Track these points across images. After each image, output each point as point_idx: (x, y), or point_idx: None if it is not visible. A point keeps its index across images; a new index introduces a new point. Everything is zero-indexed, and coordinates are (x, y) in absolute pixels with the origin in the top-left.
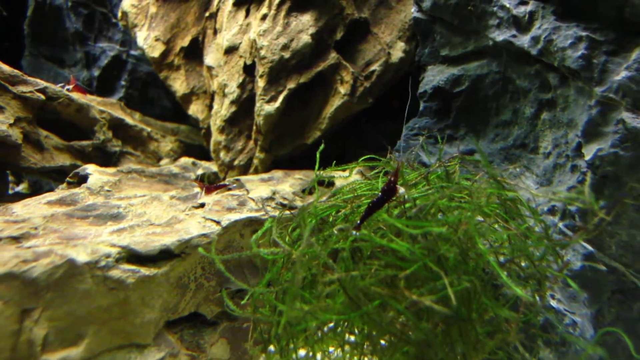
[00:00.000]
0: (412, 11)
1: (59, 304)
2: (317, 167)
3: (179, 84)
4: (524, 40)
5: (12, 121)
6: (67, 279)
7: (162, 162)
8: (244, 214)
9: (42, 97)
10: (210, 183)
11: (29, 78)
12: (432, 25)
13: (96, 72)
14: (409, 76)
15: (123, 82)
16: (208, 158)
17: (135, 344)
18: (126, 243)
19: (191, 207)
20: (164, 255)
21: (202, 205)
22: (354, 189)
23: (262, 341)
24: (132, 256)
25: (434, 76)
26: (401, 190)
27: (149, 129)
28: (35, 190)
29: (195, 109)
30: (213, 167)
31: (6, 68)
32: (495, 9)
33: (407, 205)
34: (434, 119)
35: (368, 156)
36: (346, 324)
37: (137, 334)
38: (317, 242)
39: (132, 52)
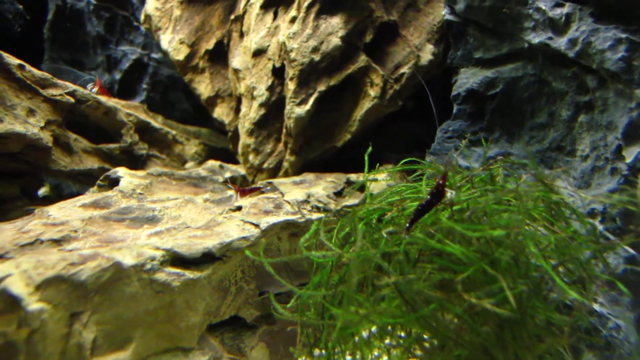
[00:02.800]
0: (444, 13)
1: (106, 307)
2: (366, 168)
3: (203, 87)
4: (560, 43)
5: (43, 124)
6: (114, 282)
7: (187, 165)
8: (281, 217)
9: (72, 100)
10: (239, 186)
11: (59, 81)
12: (465, 28)
13: (118, 76)
14: (429, 79)
15: (144, 86)
16: (232, 161)
17: (181, 347)
18: (170, 246)
19: (228, 210)
20: (206, 258)
21: (239, 208)
22: (398, 191)
23: (308, 345)
24: (175, 259)
25: (467, 79)
26: (450, 193)
27: (174, 132)
28: (57, 194)
29: (220, 112)
30: (240, 170)
31: (36, 72)
32: (530, 11)
33: (455, 207)
34: (467, 122)
35: (409, 159)
36: (391, 327)
37: (182, 338)
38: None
39: (154, 56)
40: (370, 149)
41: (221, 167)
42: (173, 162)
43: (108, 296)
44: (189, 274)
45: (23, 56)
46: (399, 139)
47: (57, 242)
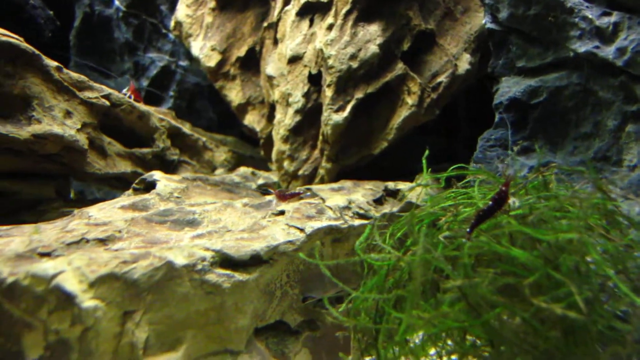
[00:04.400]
0: (485, 22)
1: (159, 307)
2: (424, 171)
3: (234, 94)
4: (608, 52)
5: (79, 126)
6: (166, 281)
7: (217, 171)
8: (324, 222)
9: (107, 103)
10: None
11: (95, 84)
12: (508, 36)
13: (145, 83)
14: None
15: (172, 93)
16: (260, 169)
17: (229, 350)
18: (219, 247)
19: (271, 214)
20: (254, 261)
21: (282, 213)
22: (450, 197)
23: (360, 350)
24: (224, 260)
25: (510, 87)
26: (512, 200)
27: (204, 139)
28: (81, 199)
29: (251, 119)
30: (273, 176)
31: (73, 74)
32: (577, 20)
33: (513, 213)
34: (509, 131)
35: (458, 165)
36: (445, 333)
37: (230, 340)
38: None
39: (181, 63)
40: (427, 152)
41: (253, 173)
42: (203, 168)
43: (160, 296)
44: (239, 276)
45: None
46: (425, 149)
47: (103, 241)
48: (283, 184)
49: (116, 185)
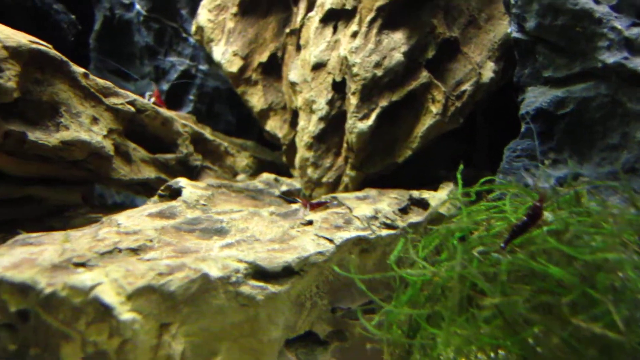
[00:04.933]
0: (511, 30)
1: (195, 319)
2: (460, 185)
3: (256, 100)
4: (637, 63)
5: (105, 132)
6: (201, 293)
7: (239, 177)
8: (352, 233)
9: (132, 109)
10: (294, 200)
11: (120, 90)
12: (534, 46)
13: (165, 86)
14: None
15: (191, 97)
16: (280, 174)
17: None
18: (252, 259)
19: (300, 224)
20: (286, 272)
21: (310, 223)
22: (482, 210)
23: None
24: (257, 272)
25: (536, 98)
26: (547, 215)
27: (225, 144)
28: (102, 203)
29: (273, 125)
30: (295, 183)
31: (99, 80)
32: (605, 30)
33: (546, 228)
34: (536, 141)
35: (487, 178)
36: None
37: (263, 352)
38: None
39: (201, 67)
40: (461, 167)
41: (276, 180)
42: (225, 173)
43: (196, 308)
44: (271, 288)
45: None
46: (445, 155)
47: (135, 251)
48: (306, 191)
49: (140, 190)
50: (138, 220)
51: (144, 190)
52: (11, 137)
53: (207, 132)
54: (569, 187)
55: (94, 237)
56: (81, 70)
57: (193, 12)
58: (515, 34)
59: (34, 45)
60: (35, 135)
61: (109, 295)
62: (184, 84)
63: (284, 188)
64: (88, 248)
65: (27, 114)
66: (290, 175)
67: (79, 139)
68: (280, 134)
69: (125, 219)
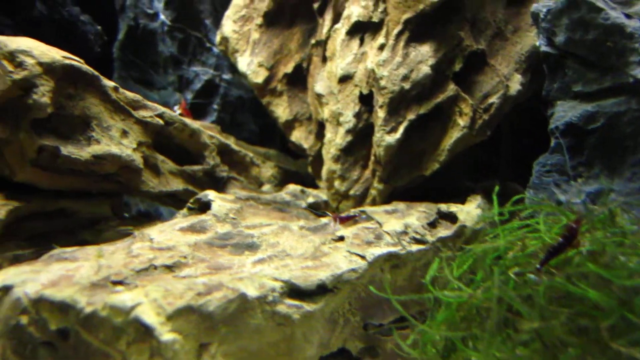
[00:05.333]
0: (540, 44)
1: (233, 339)
2: (495, 204)
3: (281, 110)
4: None
5: (135, 146)
6: (239, 313)
7: (264, 187)
8: (384, 249)
9: (161, 122)
10: (321, 211)
11: (149, 103)
12: (564, 60)
13: (189, 96)
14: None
15: (215, 106)
16: (304, 184)
17: None
18: (287, 277)
19: (331, 239)
20: (320, 290)
21: (341, 238)
22: (515, 227)
23: None
24: (293, 291)
25: (565, 112)
26: (585, 239)
27: (251, 155)
28: (128, 210)
29: (298, 136)
30: (321, 195)
31: (129, 93)
32: (637, 45)
33: (582, 249)
34: (566, 156)
35: (520, 196)
36: None
37: None
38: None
39: (225, 77)
40: (497, 188)
41: (302, 191)
42: (250, 184)
43: (234, 327)
44: (307, 306)
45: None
46: (468, 164)
47: (170, 268)
48: (333, 203)
49: (168, 202)
50: (170, 234)
51: (172, 201)
52: (45, 152)
53: (232, 142)
54: (603, 205)
55: (129, 253)
56: (111, 84)
57: (217, 22)
58: (544, 48)
59: (67, 61)
60: (67, 150)
61: (149, 315)
62: (208, 93)
63: (310, 200)
64: (124, 264)
65: (60, 128)
66: (315, 186)
67: (110, 152)
68: (305, 145)
69: (157, 233)
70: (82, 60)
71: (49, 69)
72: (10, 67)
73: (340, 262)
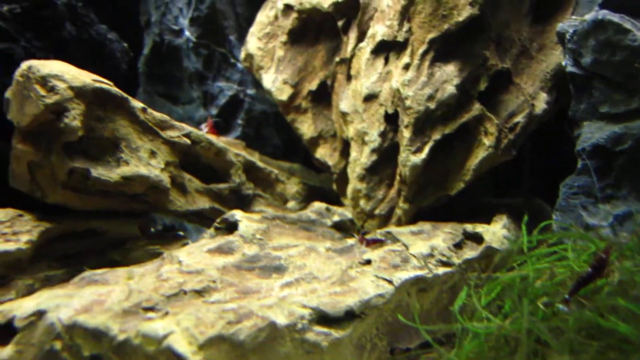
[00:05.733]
0: (566, 64)
1: None
2: (524, 231)
3: (306, 127)
4: None
5: (163, 166)
6: (269, 341)
7: (289, 204)
8: (410, 273)
9: (188, 141)
10: (347, 230)
11: (176, 123)
12: (590, 81)
13: (214, 111)
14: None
15: (240, 121)
16: (329, 200)
17: None
18: (315, 304)
19: (358, 263)
20: (348, 316)
21: (368, 262)
22: (543, 254)
23: None
24: (321, 317)
25: (592, 133)
26: (614, 269)
27: (276, 171)
28: (153, 224)
29: (322, 153)
30: (346, 213)
31: (156, 114)
32: None
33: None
34: (593, 178)
35: (545, 222)
36: None
37: None
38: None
39: (249, 92)
40: (525, 217)
41: (327, 209)
42: (275, 201)
43: (264, 356)
44: (335, 333)
45: (122, 84)
46: (491, 178)
47: (200, 293)
48: (358, 222)
49: (194, 219)
50: (199, 257)
51: (198, 219)
52: (75, 174)
53: (257, 158)
54: (632, 230)
55: (158, 277)
56: (140, 105)
57: (241, 37)
58: (570, 68)
59: (97, 85)
60: (97, 172)
61: (181, 344)
62: (232, 108)
63: (335, 218)
64: (154, 289)
65: (90, 150)
66: (340, 203)
67: (139, 174)
68: (330, 162)
69: (186, 255)
70: (111, 83)
71: (80, 92)
72: (42, 92)
73: (368, 287)
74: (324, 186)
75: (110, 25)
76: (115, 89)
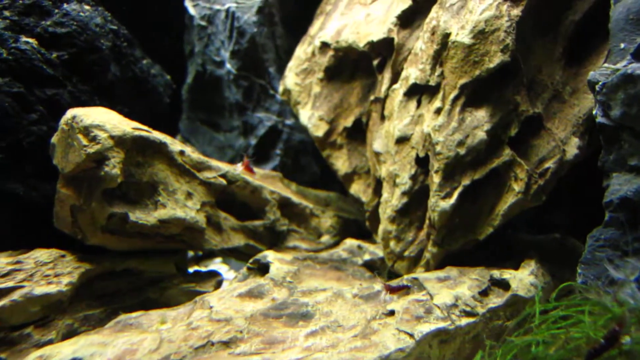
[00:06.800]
0: (596, 114)
1: None
2: (537, 300)
3: (340, 163)
4: None
5: (199, 207)
6: None
7: (322, 238)
8: (432, 325)
9: (224, 182)
10: (377, 269)
11: (213, 163)
12: (620, 133)
13: (253, 141)
14: None
15: (278, 151)
16: (363, 233)
17: None
18: None
19: (382, 314)
20: None
21: (391, 313)
22: (559, 317)
23: None
24: None
25: (621, 185)
26: (627, 341)
27: (311, 206)
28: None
29: (357, 189)
30: (378, 251)
31: (194, 156)
32: None
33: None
34: (620, 231)
35: (565, 283)
36: None
37: None
38: None
39: (287, 122)
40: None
41: (359, 247)
42: (310, 235)
43: None
44: None
45: (165, 116)
46: (529, 216)
47: (227, 344)
48: (389, 262)
49: (229, 255)
50: (229, 302)
51: (233, 254)
52: (114, 218)
53: (293, 190)
54: None
55: (189, 325)
56: (178, 148)
57: (280, 69)
58: (600, 119)
59: (136, 133)
60: (135, 216)
61: None
62: (271, 138)
63: (366, 257)
64: (183, 338)
65: (129, 194)
66: (373, 238)
67: (175, 216)
68: (364, 199)
69: (216, 301)
70: (150, 130)
71: (120, 141)
72: (84, 141)
73: (389, 341)
74: (359, 218)
75: (157, 54)
76: (154, 135)
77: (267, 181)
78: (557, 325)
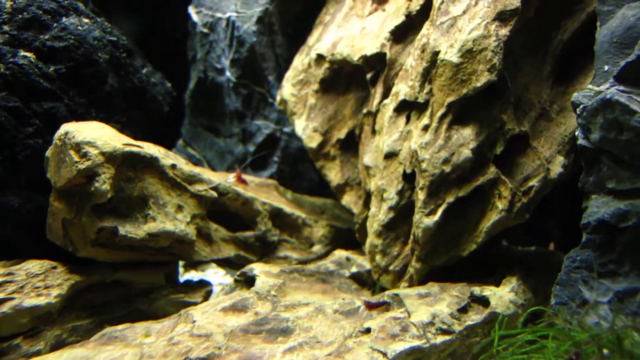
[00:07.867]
0: (577, 135)
1: None
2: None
3: (333, 174)
4: None
5: (189, 219)
6: None
7: (314, 248)
8: (407, 344)
9: (215, 194)
10: (364, 282)
11: (205, 176)
12: (599, 156)
13: (251, 148)
14: None
15: (276, 159)
16: (356, 242)
17: None
18: None
19: (358, 332)
20: None
21: (368, 331)
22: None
23: None
24: None
25: (599, 208)
26: None
27: (303, 216)
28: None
29: (348, 200)
30: (366, 264)
31: (186, 169)
32: None
33: None
34: (596, 253)
35: (535, 307)
36: None
37: None
38: None
39: (285, 130)
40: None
41: (347, 259)
42: (301, 244)
43: None
44: None
45: (165, 122)
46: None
47: None
48: (374, 275)
49: (220, 264)
50: (212, 317)
51: (224, 264)
52: (104, 232)
53: (288, 199)
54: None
55: (170, 340)
56: (169, 162)
57: (280, 77)
58: (581, 141)
59: (127, 149)
60: (125, 229)
61: None
62: (269, 146)
63: (354, 270)
64: (163, 354)
65: (119, 208)
66: (363, 252)
67: (164, 230)
68: (355, 210)
69: (200, 315)
70: (141, 145)
71: (110, 157)
72: (76, 158)
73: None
74: (352, 227)
75: (162, 59)
76: (145, 151)
77: (262, 190)
78: (522, 350)
